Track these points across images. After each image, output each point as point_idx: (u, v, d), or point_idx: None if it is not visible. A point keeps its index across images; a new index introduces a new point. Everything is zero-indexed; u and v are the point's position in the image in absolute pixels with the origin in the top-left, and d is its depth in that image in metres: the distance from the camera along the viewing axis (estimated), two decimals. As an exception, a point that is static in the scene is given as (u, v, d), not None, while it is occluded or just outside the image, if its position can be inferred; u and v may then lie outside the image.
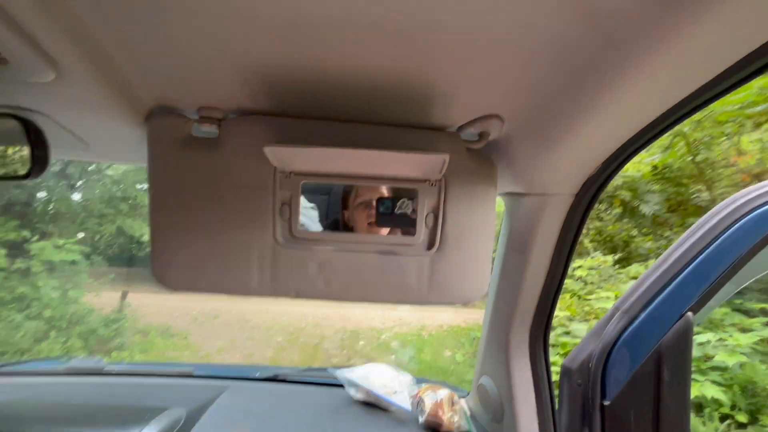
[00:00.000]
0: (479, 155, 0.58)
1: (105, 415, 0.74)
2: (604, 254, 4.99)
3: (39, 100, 0.51)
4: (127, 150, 0.68)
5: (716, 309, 3.66)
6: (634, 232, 5.47)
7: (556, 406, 0.83)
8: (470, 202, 0.57)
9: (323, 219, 0.63)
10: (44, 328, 5.24)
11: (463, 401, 0.95)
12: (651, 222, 5.21)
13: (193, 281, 0.56)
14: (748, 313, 3.60)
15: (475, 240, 0.57)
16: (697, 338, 3.16)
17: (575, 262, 5.09)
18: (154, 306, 8.90)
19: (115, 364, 1.14)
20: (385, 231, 0.61)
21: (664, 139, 4.86)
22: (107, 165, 7.24)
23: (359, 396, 0.98)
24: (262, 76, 0.49)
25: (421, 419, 0.87)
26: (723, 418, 2.75)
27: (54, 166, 6.83)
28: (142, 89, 0.52)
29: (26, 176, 0.45)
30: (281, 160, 0.53)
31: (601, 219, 5.78)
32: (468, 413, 0.92)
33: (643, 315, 0.80)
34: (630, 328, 0.80)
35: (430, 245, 0.56)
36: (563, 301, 4.59)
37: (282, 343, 6.61)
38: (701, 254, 0.80)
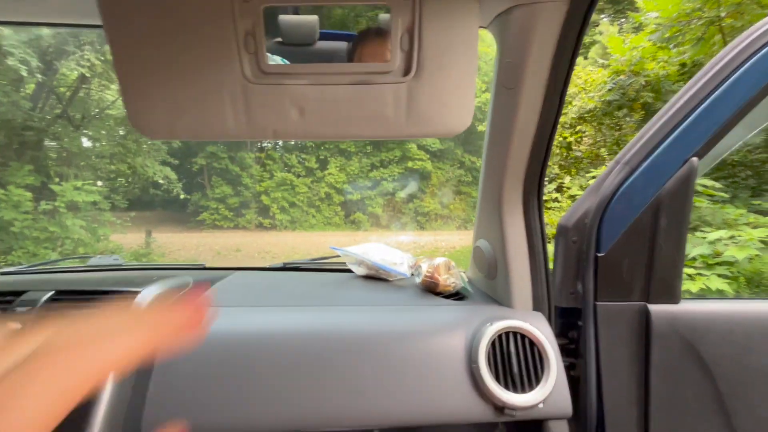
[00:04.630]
0: None
1: (116, 280, 0.79)
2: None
3: None
4: (77, 5, 0.63)
5: (732, 210, 3.60)
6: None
7: (551, 262, 0.85)
8: (449, 21, 0.51)
9: None
10: (80, 265, 5.62)
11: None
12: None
13: (170, 128, 0.55)
14: (764, 213, 3.53)
15: (456, 64, 0.52)
16: (709, 236, 3.16)
17: (590, 173, 4.97)
18: (178, 243, 9.35)
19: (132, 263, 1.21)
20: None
21: (697, 30, 4.38)
22: (107, 104, 7.12)
23: (361, 271, 1.02)
24: None
25: (417, 281, 0.91)
26: (725, 307, 2.84)
27: (55, 108, 6.77)
28: None
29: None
30: None
31: (620, 128, 5.50)
32: (465, 279, 0.95)
33: (644, 165, 0.77)
34: (630, 179, 0.78)
35: (407, 71, 0.52)
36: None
37: (302, 269, 6.98)
38: (708, 97, 0.74)
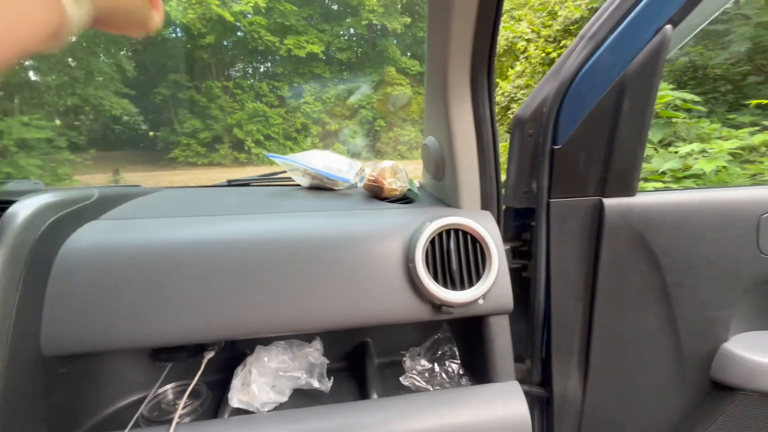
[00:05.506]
0: None
1: (8, 192, 0.69)
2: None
3: None
4: None
5: (707, 124, 3.56)
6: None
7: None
8: None
9: None
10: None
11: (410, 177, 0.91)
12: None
13: None
14: (738, 128, 3.52)
15: None
16: (681, 150, 3.15)
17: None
18: (150, 181, 8.97)
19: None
20: None
21: None
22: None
23: (306, 181, 0.94)
24: None
25: (360, 185, 0.84)
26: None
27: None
28: None
29: None
30: None
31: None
32: (417, 185, 0.88)
33: (611, 37, 0.67)
34: (594, 56, 0.68)
35: None
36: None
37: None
38: None
